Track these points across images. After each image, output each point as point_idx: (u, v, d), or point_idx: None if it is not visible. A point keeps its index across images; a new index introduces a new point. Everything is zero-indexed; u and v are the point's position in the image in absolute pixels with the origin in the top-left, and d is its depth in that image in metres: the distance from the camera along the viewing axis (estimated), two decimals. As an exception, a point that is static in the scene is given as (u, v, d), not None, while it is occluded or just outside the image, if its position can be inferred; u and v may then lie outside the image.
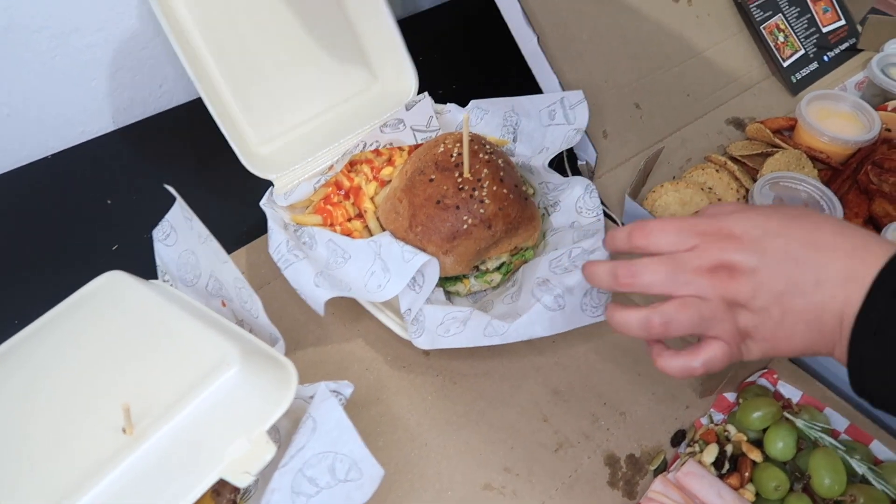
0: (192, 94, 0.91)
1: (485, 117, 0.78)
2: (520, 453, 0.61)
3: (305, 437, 0.48)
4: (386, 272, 0.61)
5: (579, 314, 0.58)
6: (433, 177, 0.64)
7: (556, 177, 0.72)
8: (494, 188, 0.63)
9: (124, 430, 0.44)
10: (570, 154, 0.82)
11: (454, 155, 0.65)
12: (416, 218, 0.63)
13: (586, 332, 0.67)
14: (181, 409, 0.45)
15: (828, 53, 0.96)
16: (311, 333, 0.68)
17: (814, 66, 0.94)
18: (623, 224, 0.75)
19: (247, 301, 0.57)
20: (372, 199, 0.72)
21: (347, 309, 0.69)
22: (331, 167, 0.72)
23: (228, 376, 0.47)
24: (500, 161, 0.65)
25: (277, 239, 0.63)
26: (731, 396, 0.64)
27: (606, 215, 0.76)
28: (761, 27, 0.92)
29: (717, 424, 0.62)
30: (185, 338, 0.50)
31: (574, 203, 0.71)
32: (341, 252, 0.63)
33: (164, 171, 0.83)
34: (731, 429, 0.60)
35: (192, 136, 0.86)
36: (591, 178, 0.79)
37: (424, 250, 0.62)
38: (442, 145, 0.66)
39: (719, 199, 0.76)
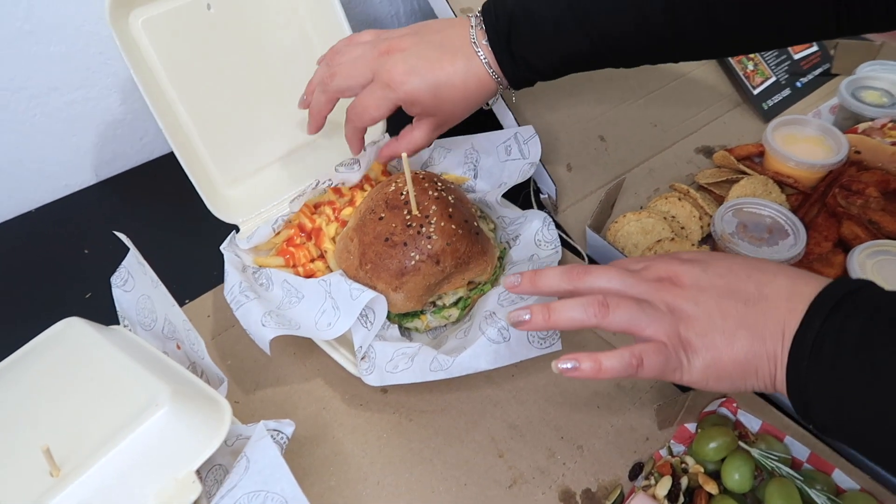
0: (172, 146, 0.94)
1: (447, 155, 0.80)
2: (472, 490, 0.60)
3: (238, 476, 0.49)
4: (336, 310, 0.61)
5: (525, 346, 0.58)
6: (383, 215, 0.65)
7: (512, 210, 0.73)
8: (442, 224, 0.64)
9: (51, 473, 0.45)
10: (536, 187, 0.82)
11: (404, 193, 0.66)
12: (365, 256, 0.64)
13: (545, 364, 0.66)
14: (108, 450, 0.46)
15: (801, 79, 0.95)
16: (270, 374, 0.69)
17: (786, 92, 0.94)
18: (587, 257, 0.75)
19: (194, 343, 0.58)
20: (333, 239, 0.73)
21: (308, 349, 0.70)
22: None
23: (158, 416, 0.47)
24: (450, 197, 0.66)
25: (231, 281, 0.64)
26: (691, 427, 0.62)
27: (570, 247, 0.76)
28: (729, 57, 0.92)
29: (675, 456, 0.60)
30: (120, 380, 0.51)
31: (533, 236, 0.71)
32: (294, 292, 0.64)
33: (142, 221, 0.86)
34: (690, 460, 0.58)
35: (172, 186, 0.88)
36: (554, 210, 0.79)
37: (375, 287, 0.63)
38: (393, 184, 0.68)
39: (682, 228, 0.76)
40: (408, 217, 0.64)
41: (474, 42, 0.61)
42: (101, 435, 0.47)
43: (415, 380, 0.59)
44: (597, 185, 0.82)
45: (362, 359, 0.62)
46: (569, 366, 0.45)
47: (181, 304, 0.75)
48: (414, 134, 0.66)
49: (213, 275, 0.79)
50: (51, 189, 0.87)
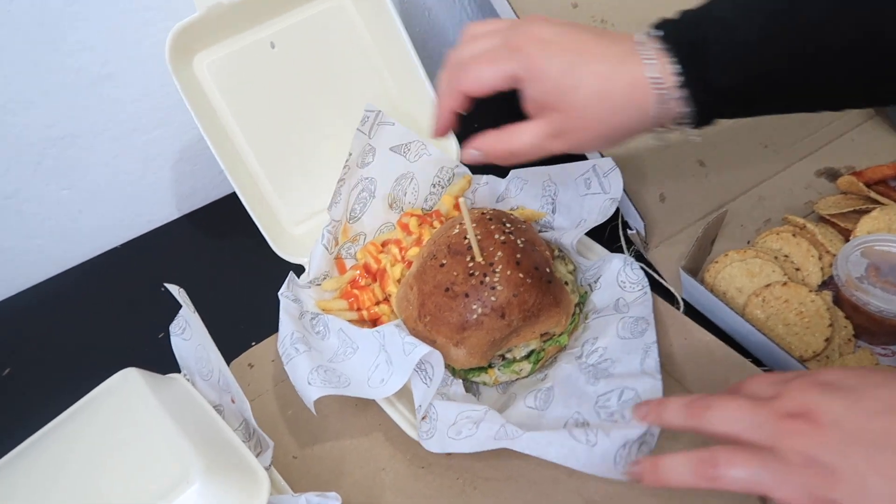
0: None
1: (524, 187, 0.73)
2: (541, 578, 0.53)
3: (272, 563, 0.45)
4: (389, 365, 0.57)
5: (609, 464, 0.50)
6: (444, 261, 0.59)
7: (587, 256, 0.65)
8: (508, 272, 0.57)
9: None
10: (624, 221, 0.74)
11: (467, 238, 0.60)
12: (424, 307, 0.58)
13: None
14: (136, 531, 0.43)
15: (949, 83, 0.80)
16: (331, 427, 0.65)
17: (931, 99, 0.79)
18: (683, 302, 0.66)
19: (243, 402, 0.55)
20: (398, 281, 0.68)
21: (369, 401, 0.66)
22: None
23: (188, 494, 0.44)
24: (519, 241, 0.60)
25: (285, 331, 0.61)
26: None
27: (663, 289, 0.67)
28: (858, 61, 0.79)
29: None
30: (156, 449, 0.48)
31: (615, 277, 0.63)
32: (349, 342, 0.60)
33: (220, 255, 0.85)
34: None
35: (247, 224, 0.88)
36: (644, 248, 0.70)
37: (434, 341, 0.58)
38: (457, 227, 0.62)
39: (797, 270, 0.65)
40: (471, 264, 0.58)
41: (640, 43, 0.46)
42: (130, 511, 0.44)
43: (478, 448, 0.53)
44: (695, 216, 0.72)
45: (423, 419, 0.57)
46: None
47: (247, 346, 0.74)
48: (521, 131, 0.49)
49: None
50: (135, 225, 0.89)
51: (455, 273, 0.58)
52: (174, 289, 0.58)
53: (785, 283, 0.62)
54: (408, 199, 0.76)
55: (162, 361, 0.62)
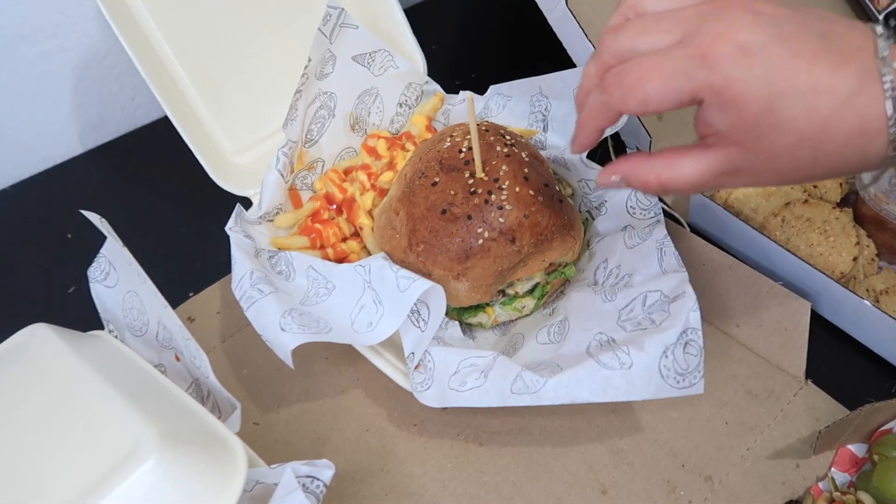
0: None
1: (508, 104, 0.63)
2: (571, 542, 0.45)
3: (259, 552, 0.34)
4: (378, 306, 0.46)
5: (656, 382, 0.41)
6: (437, 179, 0.49)
7: (597, 171, 0.57)
8: (517, 189, 0.48)
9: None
10: (617, 141, 0.66)
11: (463, 150, 0.50)
12: (416, 234, 0.48)
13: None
14: (69, 528, 0.31)
15: (933, -1, 0.77)
16: (298, 384, 0.54)
17: (916, 15, 0.76)
18: (689, 227, 0.59)
19: (195, 357, 0.43)
20: (370, 212, 0.58)
21: (344, 352, 0.55)
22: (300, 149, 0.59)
23: (141, 473, 0.33)
24: (523, 154, 0.51)
25: (240, 270, 0.49)
26: (859, 449, 0.47)
27: (668, 215, 0.60)
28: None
29: (844, 492, 0.45)
30: (90, 419, 0.36)
31: (624, 202, 0.55)
32: (323, 281, 0.49)
33: (136, 198, 0.71)
34: (866, 498, 0.43)
35: (173, 155, 0.73)
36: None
37: (429, 275, 0.48)
38: (448, 139, 0.52)
39: (815, 187, 0.59)
40: (471, 181, 0.49)
41: (883, 58, 0.32)
42: (65, 500, 0.32)
43: (491, 403, 0.44)
44: (694, 136, 0.66)
45: (416, 368, 0.47)
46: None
47: (185, 297, 0.61)
48: (682, 163, 0.35)
49: (223, 261, 0.63)
50: (28, 162, 0.73)
51: (452, 192, 0.48)
52: (93, 217, 0.45)
53: (806, 201, 0.56)
54: (372, 121, 0.65)
55: (75, 322, 0.49)
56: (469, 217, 0.47)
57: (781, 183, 0.36)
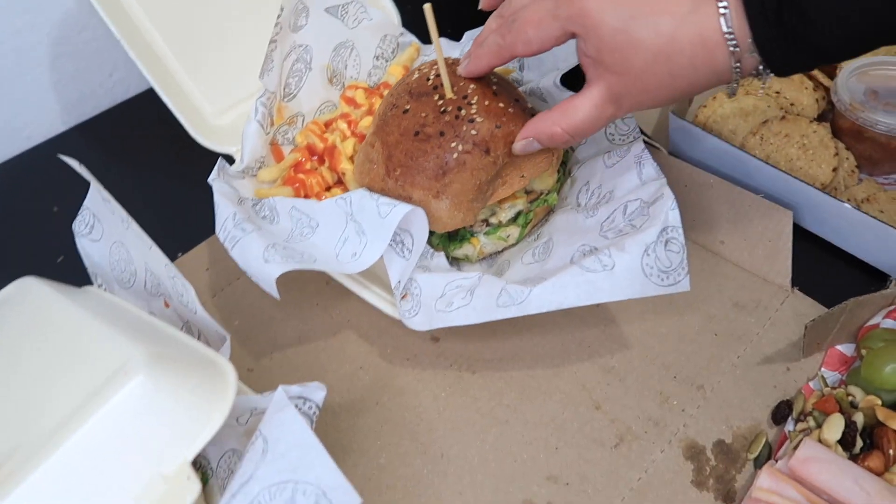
0: (151, 81, 0.79)
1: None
2: (567, 455, 0.45)
3: (253, 465, 0.35)
4: (361, 235, 0.47)
5: (639, 280, 0.41)
6: (407, 107, 0.50)
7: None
8: (486, 103, 0.48)
9: (-17, 478, 0.31)
10: None
11: (431, 78, 0.50)
12: (392, 160, 0.49)
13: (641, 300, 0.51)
14: (63, 441, 0.32)
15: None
16: (291, 330, 0.54)
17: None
18: (670, 153, 0.60)
19: (182, 294, 0.44)
20: (351, 158, 0.58)
21: (334, 296, 0.56)
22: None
23: (129, 390, 0.33)
24: (491, 77, 0.51)
25: (223, 214, 0.49)
26: (847, 349, 0.47)
27: (648, 144, 0.61)
28: None
29: (834, 388, 0.45)
30: (82, 348, 0.37)
31: (604, 129, 0.55)
32: (307, 220, 0.50)
33: (122, 170, 0.71)
34: (857, 392, 0.43)
35: (154, 128, 0.73)
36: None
37: (410, 199, 0.48)
38: (416, 73, 0.52)
39: (791, 104, 0.59)
40: (440, 102, 0.49)
41: None
42: (54, 420, 0.33)
43: (478, 319, 0.44)
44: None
45: (403, 297, 0.47)
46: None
47: (173, 258, 0.61)
48: (576, 106, 0.42)
49: (208, 223, 0.64)
50: (10, 143, 0.73)
51: (423, 114, 0.49)
52: (73, 162, 0.46)
53: (783, 118, 0.57)
54: (349, 74, 0.65)
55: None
56: (441, 133, 0.48)
57: (658, 102, 0.41)
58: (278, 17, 0.57)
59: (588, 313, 0.52)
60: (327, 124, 0.62)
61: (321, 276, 0.55)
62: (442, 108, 0.48)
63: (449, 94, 0.48)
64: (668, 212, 0.41)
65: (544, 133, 0.44)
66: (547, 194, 0.54)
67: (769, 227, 0.52)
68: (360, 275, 0.51)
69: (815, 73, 0.60)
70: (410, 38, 0.67)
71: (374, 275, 0.51)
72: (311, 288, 0.57)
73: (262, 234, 0.47)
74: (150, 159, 0.72)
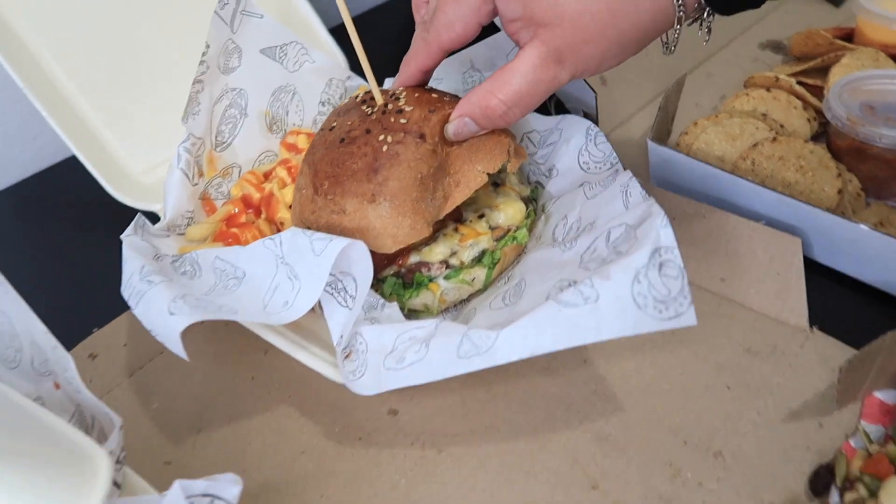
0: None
1: (439, 87, 0.58)
2: (561, 550, 0.36)
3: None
4: (293, 280, 0.39)
5: (631, 311, 0.33)
6: (334, 124, 0.44)
7: (540, 120, 0.51)
8: (417, 95, 0.43)
9: None
10: (558, 105, 0.61)
11: (360, 95, 0.45)
12: (319, 175, 0.42)
13: (635, 339, 0.43)
14: None
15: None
16: (221, 411, 0.45)
17: (853, -31, 0.74)
18: (652, 182, 0.53)
19: (66, 369, 0.35)
20: (290, 207, 0.51)
21: (273, 367, 0.47)
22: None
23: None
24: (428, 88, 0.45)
25: (130, 269, 0.41)
26: (888, 396, 0.39)
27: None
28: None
29: (881, 444, 0.36)
30: None
31: (576, 158, 0.49)
32: (231, 270, 0.42)
33: (45, 237, 0.63)
34: (910, 447, 0.35)
35: (86, 193, 0.65)
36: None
37: (343, 212, 0.41)
38: (347, 98, 0.47)
39: (781, 126, 0.54)
40: (367, 110, 0.43)
41: None
42: None
43: (435, 375, 0.35)
44: (643, 99, 0.61)
45: (346, 357, 0.39)
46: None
47: (88, 332, 0.52)
48: (512, 69, 0.37)
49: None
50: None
51: (349, 123, 0.43)
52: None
53: (774, 139, 0.51)
54: (291, 120, 0.59)
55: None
56: (368, 131, 0.42)
57: (609, 56, 0.37)
58: (203, 54, 0.50)
59: (574, 369, 0.43)
60: (266, 175, 0.55)
61: (258, 344, 0.46)
62: (368, 112, 0.42)
63: (379, 101, 0.42)
64: (660, 230, 0.33)
65: (478, 106, 0.39)
66: (515, 231, 0.46)
67: (776, 259, 0.45)
68: (297, 334, 0.43)
69: (803, 92, 0.54)
70: (358, 81, 0.61)
71: (314, 333, 0.43)
72: (246, 360, 0.48)
73: (172, 285, 0.39)
74: (75, 226, 0.64)
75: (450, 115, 0.41)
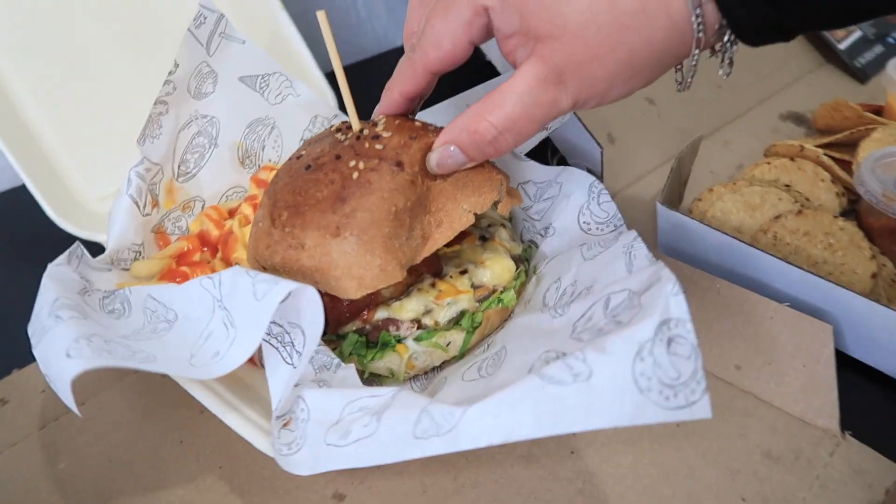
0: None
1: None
2: None
3: None
4: (229, 328, 0.32)
5: (631, 395, 0.26)
6: (303, 153, 0.39)
7: (538, 170, 0.45)
8: (397, 122, 0.38)
9: None
10: (555, 148, 0.56)
11: (335, 124, 0.40)
12: (278, 205, 0.36)
13: (633, 429, 0.37)
14: None
15: (893, 34, 0.72)
16: (132, 479, 0.38)
17: (878, 49, 0.71)
18: (659, 250, 0.47)
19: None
20: (250, 246, 0.45)
21: (206, 430, 0.40)
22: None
23: None
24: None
25: (42, 302, 0.35)
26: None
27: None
28: None
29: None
30: None
31: (576, 218, 0.43)
32: (163, 312, 0.35)
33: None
34: None
35: (37, 224, 0.61)
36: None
37: (302, 247, 0.35)
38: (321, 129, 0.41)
39: (807, 199, 0.48)
40: (341, 137, 0.38)
41: None
42: None
43: (384, 458, 0.29)
44: (652, 162, 0.56)
45: (284, 426, 0.32)
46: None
47: (6, 373, 0.46)
48: (504, 91, 0.32)
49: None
50: None
51: (319, 149, 0.38)
52: None
53: (800, 212, 0.45)
54: (267, 155, 0.54)
55: None
56: (338, 157, 0.36)
57: (618, 78, 0.31)
58: (171, 73, 0.46)
59: (558, 460, 0.36)
60: (231, 212, 0.50)
61: (193, 401, 0.39)
62: (342, 139, 0.37)
63: (356, 127, 0.37)
64: (670, 298, 0.27)
65: (465, 131, 0.33)
66: (502, 292, 0.40)
67: (802, 347, 0.38)
68: (234, 392, 0.36)
69: (831, 164, 0.49)
70: (344, 118, 0.56)
71: (256, 392, 0.36)
72: (178, 417, 0.41)
73: (83, 323, 0.33)
74: (19, 256, 0.58)
75: (433, 143, 0.36)
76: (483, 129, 0.33)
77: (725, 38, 0.31)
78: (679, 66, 0.37)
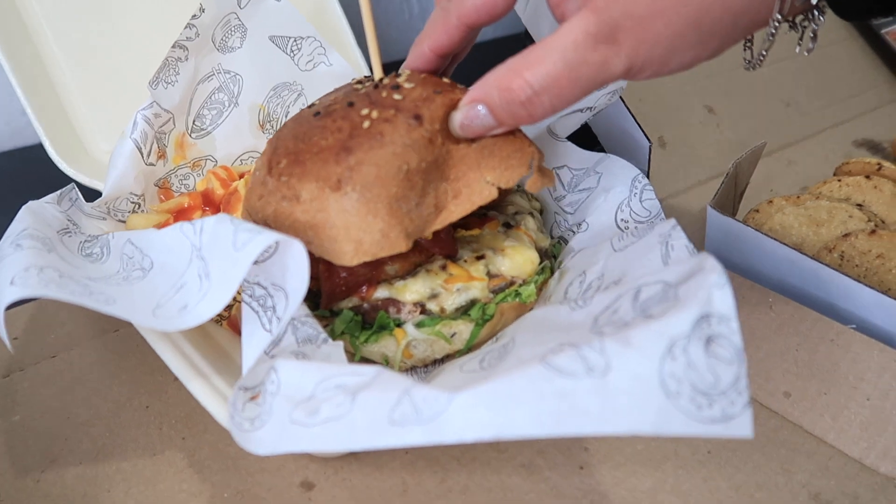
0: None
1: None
2: None
3: None
4: (204, 280, 0.28)
5: (657, 400, 0.21)
6: (315, 102, 0.35)
7: (576, 155, 0.40)
8: (423, 76, 0.34)
9: None
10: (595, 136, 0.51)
11: (353, 78, 0.36)
12: (277, 152, 0.33)
13: (656, 447, 0.31)
14: None
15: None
16: (90, 438, 0.34)
17: (968, 83, 0.64)
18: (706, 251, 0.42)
19: None
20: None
21: (176, 398, 0.36)
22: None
23: None
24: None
25: (9, 232, 0.32)
26: None
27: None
28: (883, 32, 0.64)
29: None
30: None
31: (614, 213, 0.38)
32: (139, 258, 0.32)
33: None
34: None
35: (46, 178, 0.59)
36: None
37: (297, 199, 0.30)
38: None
39: (882, 221, 0.42)
40: (359, 87, 0.34)
41: None
42: None
43: (353, 445, 0.24)
44: (706, 173, 0.51)
45: (252, 398, 0.28)
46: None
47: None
48: (546, 46, 0.28)
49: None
50: None
51: (333, 98, 0.34)
52: None
53: (874, 232, 0.39)
54: (290, 123, 0.51)
55: None
56: (350, 104, 0.32)
57: (681, 40, 0.26)
58: (195, 16, 0.43)
59: (564, 474, 0.31)
60: (242, 176, 0.46)
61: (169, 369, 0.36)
62: (357, 88, 0.33)
63: (378, 75, 0.33)
64: (713, 290, 0.22)
65: (495, 88, 0.28)
66: (521, 285, 0.35)
67: (866, 378, 0.32)
68: (207, 357, 0.32)
69: (913, 186, 0.44)
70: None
71: (234, 362, 0.32)
72: (149, 382, 0.37)
73: (41, 254, 0.29)
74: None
75: (459, 101, 0.31)
76: (517, 86, 0.28)
77: (813, 12, 0.26)
78: (749, 43, 0.32)
